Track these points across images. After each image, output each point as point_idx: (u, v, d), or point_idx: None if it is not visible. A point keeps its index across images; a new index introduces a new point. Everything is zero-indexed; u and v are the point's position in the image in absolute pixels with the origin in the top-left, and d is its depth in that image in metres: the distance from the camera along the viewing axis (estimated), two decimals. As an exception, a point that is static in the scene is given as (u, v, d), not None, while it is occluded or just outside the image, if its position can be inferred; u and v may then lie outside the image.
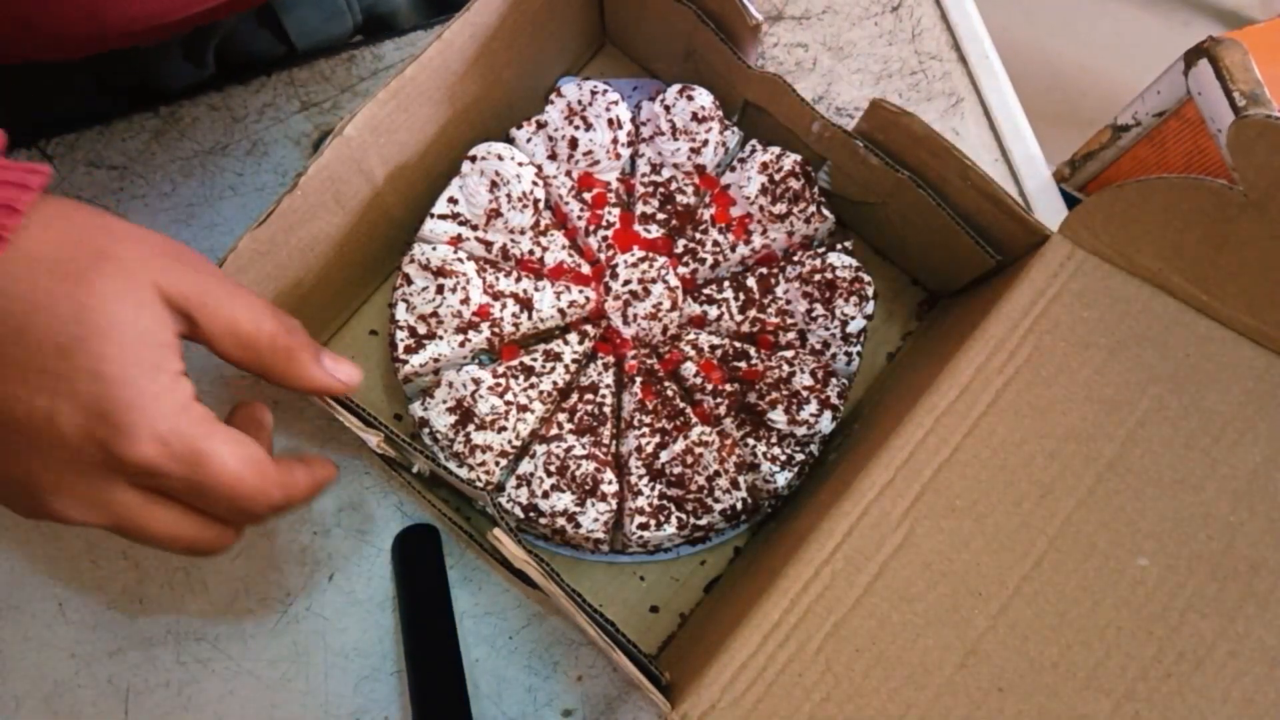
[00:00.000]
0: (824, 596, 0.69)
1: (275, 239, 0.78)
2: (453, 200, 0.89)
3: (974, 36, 1.06)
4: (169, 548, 0.61)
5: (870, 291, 0.87)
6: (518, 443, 0.84)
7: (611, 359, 0.90)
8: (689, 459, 0.82)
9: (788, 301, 0.88)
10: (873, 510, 0.71)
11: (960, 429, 0.72)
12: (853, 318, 0.86)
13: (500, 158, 0.88)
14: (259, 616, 0.87)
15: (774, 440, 0.84)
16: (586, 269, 0.91)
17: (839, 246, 0.89)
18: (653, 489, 0.83)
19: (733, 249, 0.90)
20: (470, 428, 0.83)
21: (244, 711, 0.85)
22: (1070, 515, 0.69)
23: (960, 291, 0.91)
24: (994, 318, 0.75)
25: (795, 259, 0.89)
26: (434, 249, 0.86)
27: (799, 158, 0.89)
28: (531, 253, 0.90)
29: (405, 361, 0.86)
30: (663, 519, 0.83)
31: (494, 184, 0.88)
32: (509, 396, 0.84)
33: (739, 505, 0.83)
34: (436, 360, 0.86)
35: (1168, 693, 0.65)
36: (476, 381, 0.83)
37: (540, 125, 0.92)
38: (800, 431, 0.83)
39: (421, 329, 0.86)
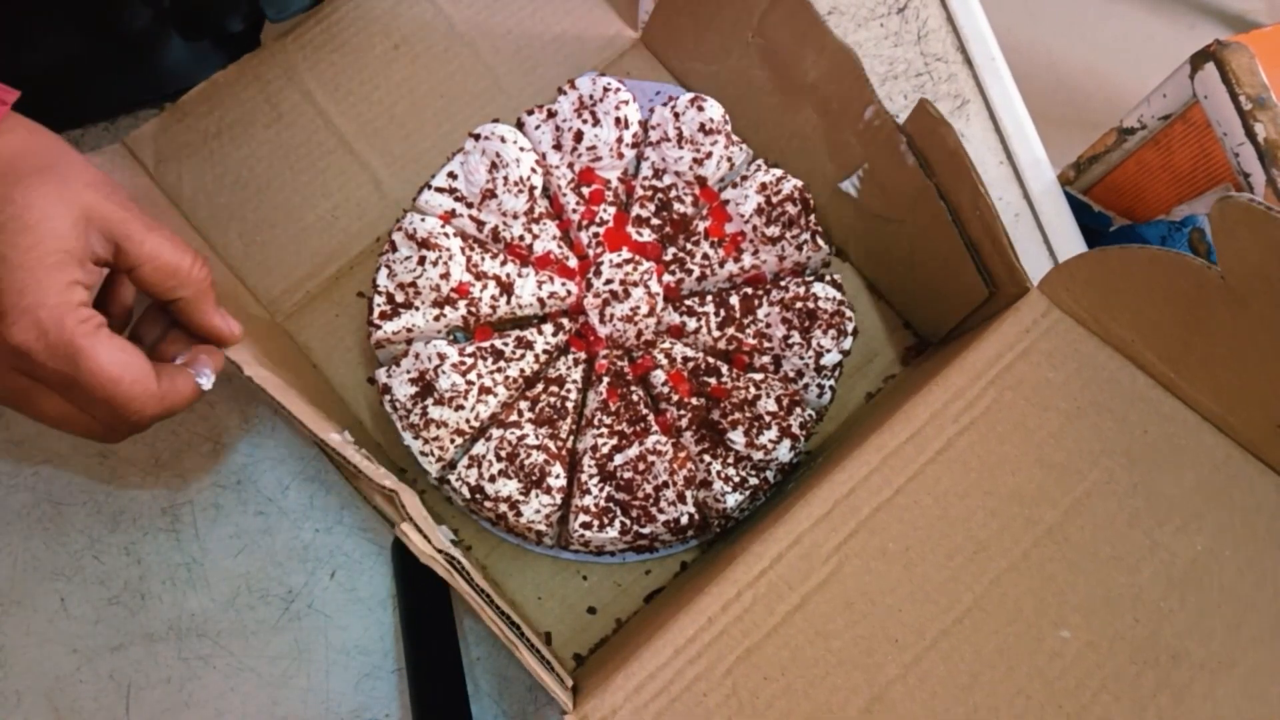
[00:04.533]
0: (742, 619, 0.68)
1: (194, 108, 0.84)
2: (452, 175, 0.89)
3: (980, 38, 1.05)
4: (64, 430, 0.65)
5: (850, 327, 0.86)
6: (476, 423, 0.84)
7: (583, 355, 0.89)
8: (640, 465, 0.81)
9: (767, 325, 0.87)
10: (805, 540, 0.70)
11: (905, 472, 0.71)
12: (828, 350, 0.85)
13: (503, 139, 0.88)
14: (260, 613, 0.87)
15: (730, 460, 0.83)
16: (573, 263, 0.91)
17: (827, 278, 0.88)
18: (601, 490, 0.83)
19: (721, 265, 0.90)
20: (429, 401, 0.82)
21: (245, 708, 0.85)
22: (1000, 576, 0.68)
23: (947, 339, 0.90)
24: (957, 366, 0.74)
25: (782, 284, 0.88)
26: (423, 220, 0.86)
27: (800, 183, 0.89)
28: (521, 238, 0.89)
29: (378, 327, 0.85)
30: (606, 521, 0.82)
31: (494, 165, 0.87)
32: (472, 376, 0.83)
33: (684, 519, 0.82)
34: (409, 330, 0.86)
35: (1068, 770, 0.64)
36: (441, 356, 0.82)
37: (550, 114, 0.91)
38: (757, 455, 0.82)
39: (399, 297, 0.85)
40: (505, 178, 0.87)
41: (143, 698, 0.84)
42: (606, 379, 0.87)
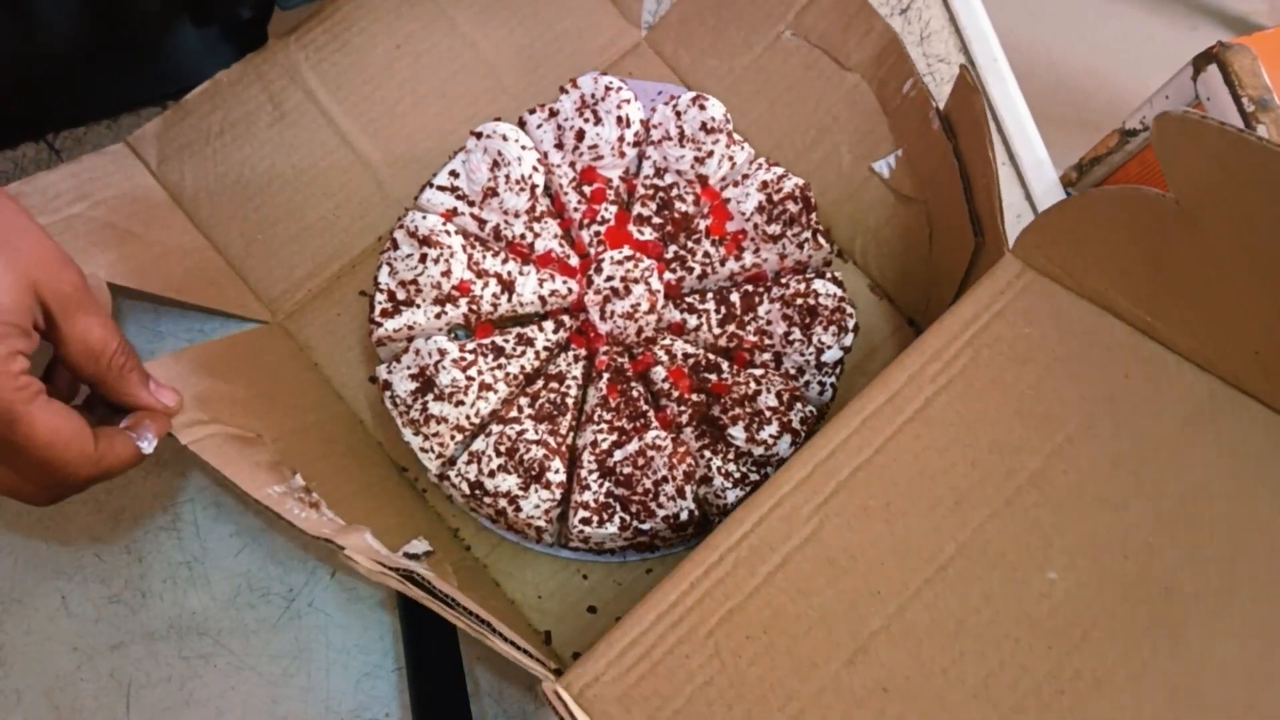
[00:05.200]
0: (723, 582, 0.67)
1: (196, 107, 0.89)
2: (454, 174, 0.90)
3: (982, 39, 1.05)
4: None
5: (851, 324, 0.86)
6: (476, 420, 0.84)
7: (583, 352, 0.89)
8: (640, 461, 0.81)
9: (768, 322, 0.87)
10: (785, 503, 0.69)
11: (884, 432, 0.71)
12: (829, 347, 0.85)
13: (505, 138, 0.88)
14: (261, 612, 0.87)
15: (731, 456, 0.83)
16: (574, 261, 0.91)
17: (828, 275, 0.88)
18: (601, 486, 0.82)
19: (722, 263, 0.90)
20: (429, 397, 0.83)
21: (245, 707, 0.84)
22: (983, 524, 0.67)
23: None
24: (934, 330, 0.74)
25: (783, 281, 0.88)
26: (424, 218, 0.86)
27: (801, 181, 0.89)
28: (523, 237, 0.90)
29: (380, 324, 0.86)
30: (606, 517, 0.81)
31: (495, 163, 0.88)
32: (472, 373, 0.83)
33: (684, 515, 0.81)
34: (411, 328, 0.86)
35: (1059, 710, 0.62)
36: (442, 352, 0.82)
37: (552, 113, 0.92)
38: (757, 451, 0.82)
39: (401, 294, 0.86)
40: (507, 176, 0.88)
41: (143, 696, 0.84)
42: (607, 375, 0.87)
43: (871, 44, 0.88)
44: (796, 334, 0.85)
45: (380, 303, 0.86)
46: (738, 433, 0.82)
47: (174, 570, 0.87)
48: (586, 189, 0.92)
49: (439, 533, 0.85)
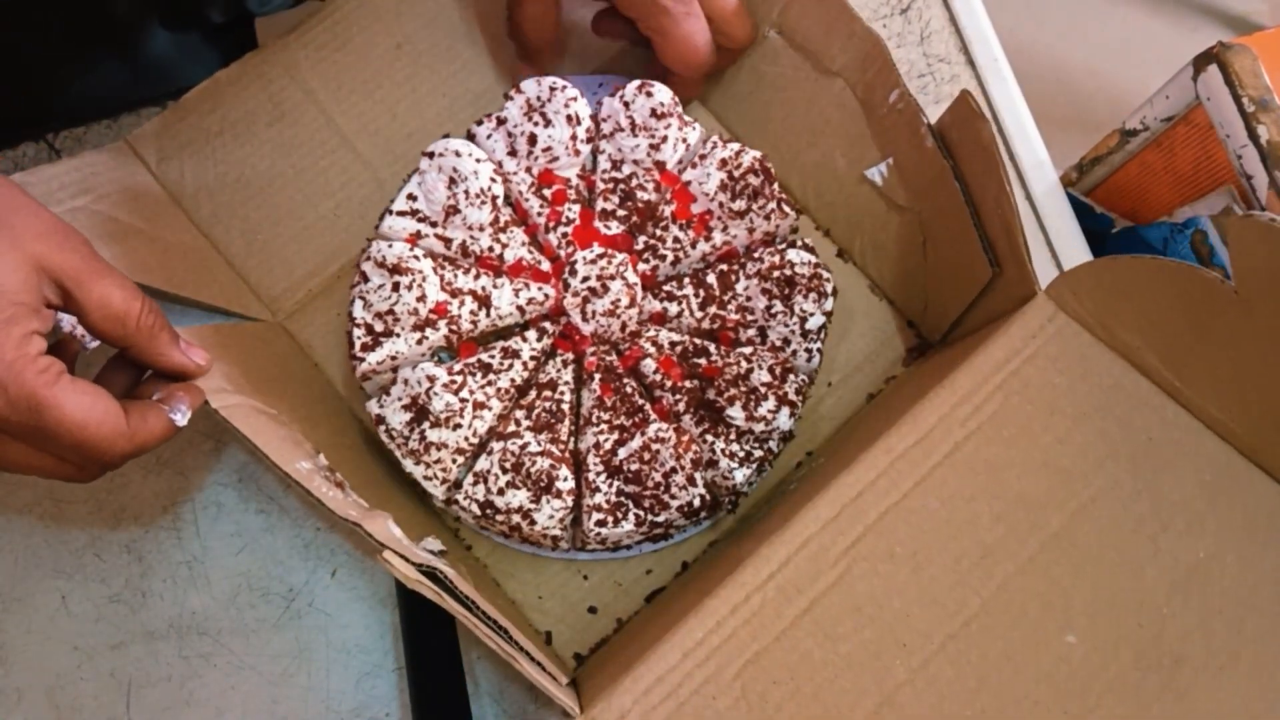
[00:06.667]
0: (750, 622, 0.69)
1: (196, 106, 0.92)
2: (411, 197, 0.88)
3: (983, 39, 1.05)
4: (33, 475, 0.66)
5: (829, 288, 0.86)
6: (475, 440, 0.83)
7: (571, 356, 0.89)
8: (646, 455, 0.82)
9: (748, 298, 0.87)
10: (813, 543, 0.71)
11: (913, 476, 0.72)
12: (811, 314, 0.86)
13: (458, 154, 0.87)
14: (261, 611, 0.87)
15: (732, 437, 0.84)
16: (546, 266, 0.90)
17: (799, 243, 0.89)
18: (611, 486, 0.83)
19: (693, 245, 0.90)
20: (425, 425, 0.82)
21: (245, 706, 0.85)
22: (1007, 580, 0.69)
23: (949, 334, 0.91)
24: (965, 369, 0.75)
25: (756, 255, 0.89)
26: (390, 246, 0.85)
27: (759, 154, 0.89)
28: (491, 250, 0.89)
29: (362, 359, 0.85)
30: (621, 515, 0.82)
31: (452, 180, 0.87)
32: (464, 394, 0.83)
33: (697, 501, 0.82)
34: (394, 358, 0.85)
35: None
36: (431, 379, 0.82)
37: (500, 121, 0.91)
38: (758, 428, 0.83)
39: (379, 326, 0.85)
40: (466, 191, 0.87)
41: (143, 695, 0.85)
42: (598, 375, 0.87)
43: (855, 48, 0.87)
44: (778, 306, 0.85)
45: (359, 338, 0.85)
46: (736, 413, 0.83)
47: (174, 570, 0.87)
48: (547, 192, 0.91)
49: (439, 533, 0.85)
